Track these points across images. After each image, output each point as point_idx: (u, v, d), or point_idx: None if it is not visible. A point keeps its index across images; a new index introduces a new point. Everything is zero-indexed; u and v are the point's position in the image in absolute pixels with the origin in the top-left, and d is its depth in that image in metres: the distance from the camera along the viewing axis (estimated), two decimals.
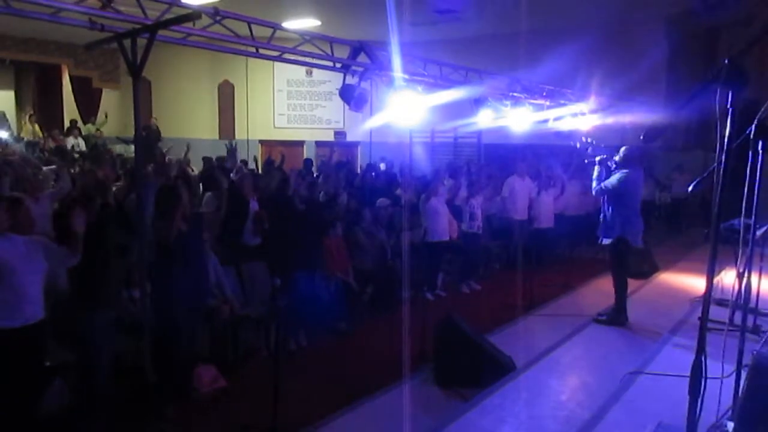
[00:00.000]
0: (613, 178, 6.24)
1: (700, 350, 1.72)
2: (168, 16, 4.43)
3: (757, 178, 2.86)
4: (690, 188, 3.10)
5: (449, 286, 8.18)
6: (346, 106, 6.37)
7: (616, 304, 6.42)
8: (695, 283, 7.95)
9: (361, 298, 6.94)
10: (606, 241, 6.39)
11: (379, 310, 7.00)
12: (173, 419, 4.41)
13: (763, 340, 4.50)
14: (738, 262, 6.02)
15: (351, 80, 6.30)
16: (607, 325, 6.31)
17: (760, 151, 2.79)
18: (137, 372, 4.45)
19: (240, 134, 15.97)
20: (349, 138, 16.25)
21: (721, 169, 1.75)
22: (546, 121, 9.27)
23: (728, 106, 1.71)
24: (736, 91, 1.68)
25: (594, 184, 6.49)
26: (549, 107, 9.03)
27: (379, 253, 7.55)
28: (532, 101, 8.61)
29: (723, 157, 1.73)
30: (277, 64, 14.98)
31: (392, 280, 7.29)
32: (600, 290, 7.95)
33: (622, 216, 6.21)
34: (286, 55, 5.73)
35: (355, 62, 6.12)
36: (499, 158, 12.27)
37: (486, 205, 8.95)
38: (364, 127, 12.91)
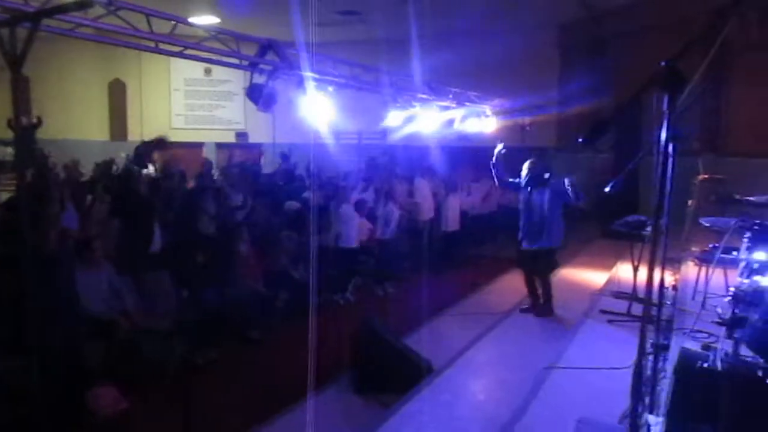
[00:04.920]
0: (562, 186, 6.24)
1: (642, 351, 1.72)
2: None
3: (669, 179, 2.96)
4: (607, 189, 3.19)
5: (364, 290, 8.08)
6: (248, 107, 6.13)
7: (549, 298, 6.70)
8: (593, 277, 8.37)
9: (274, 305, 6.70)
10: (547, 247, 6.47)
11: (292, 316, 6.79)
12: None
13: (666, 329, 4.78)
14: (633, 256, 6.45)
15: (257, 79, 6.06)
16: (545, 315, 6.61)
17: (671, 154, 2.88)
18: (25, 396, 3.99)
19: (134, 135, 15.02)
20: (252, 139, 15.77)
21: (661, 170, 1.77)
22: (452, 122, 9.43)
23: (665, 110, 1.72)
24: (673, 94, 1.69)
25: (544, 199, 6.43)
26: (456, 109, 9.20)
27: (290, 258, 7.32)
28: (439, 103, 8.73)
29: (661, 159, 1.75)
30: (173, 63, 14.28)
31: (305, 285, 7.09)
32: (507, 287, 8.20)
33: (560, 222, 6.46)
34: (190, 51, 5.39)
35: (264, 60, 5.88)
36: (406, 160, 12.37)
37: (401, 205, 8.96)
38: (273, 128, 12.57)
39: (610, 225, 6.62)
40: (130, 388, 4.75)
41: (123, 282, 5.38)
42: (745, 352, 2.41)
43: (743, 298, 2.40)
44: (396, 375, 4.82)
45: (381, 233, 8.25)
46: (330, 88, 6.35)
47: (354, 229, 7.75)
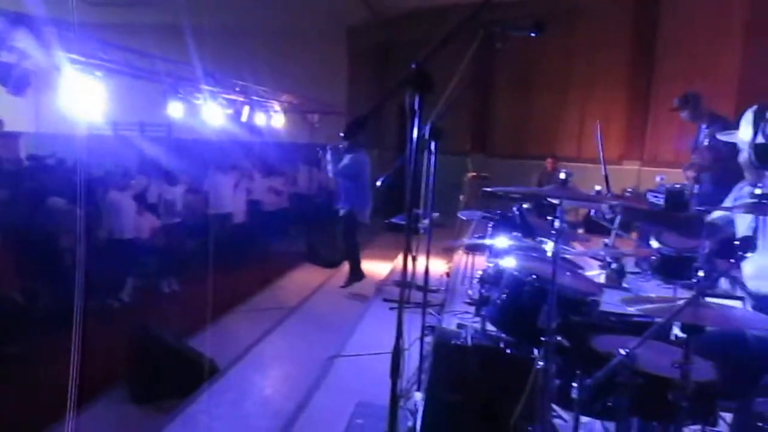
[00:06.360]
0: (347, 160, 6.93)
1: (399, 334, 1.85)
2: None
3: (432, 174, 3.23)
4: (378, 183, 3.39)
5: (145, 290, 7.51)
6: (3, 90, 5.34)
7: (352, 266, 7.21)
8: (378, 268, 8.81)
9: (32, 315, 5.93)
10: (342, 212, 7.11)
11: (58, 325, 6.07)
12: None
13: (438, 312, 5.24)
14: (409, 248, 6.92)
15: (8, 58, 5.29)
16: (351, 285, 7.18)
17: (433, 151, 3.15)
18: None
19: None
20: (9, 128, 13.74)
21: (411, 166, 1.91)
22: (240, 116, 9.24)
23: (416, 109, 1.85)
24: (423, 94, 1.82)
25: (330, 167, 7.11)
26: (243, 103, 9.03)
27: (53, 260, 6.54)
28: (224, 96, 8.48)
29: (412, 156, 1.89)
30: None
31: (71, 289, 6.38)
32: (297, 281, 8.28)
33: (354, 192, 6.99)
34: None
35: (11, 37, 5.14)
36: (193, 153, 11.83)
37: (188, 200, 8.51)
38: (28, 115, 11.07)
39: (390, 219, 7.05)
40: None
41: None
42: (491, 328, 2.74)
43: (487, 280, 2.73)
44: (176, 379, 4.58)
45: (166, 219, 7.77)
46: (98, 73, 5.77)
47: (128, 220, 7.19)
